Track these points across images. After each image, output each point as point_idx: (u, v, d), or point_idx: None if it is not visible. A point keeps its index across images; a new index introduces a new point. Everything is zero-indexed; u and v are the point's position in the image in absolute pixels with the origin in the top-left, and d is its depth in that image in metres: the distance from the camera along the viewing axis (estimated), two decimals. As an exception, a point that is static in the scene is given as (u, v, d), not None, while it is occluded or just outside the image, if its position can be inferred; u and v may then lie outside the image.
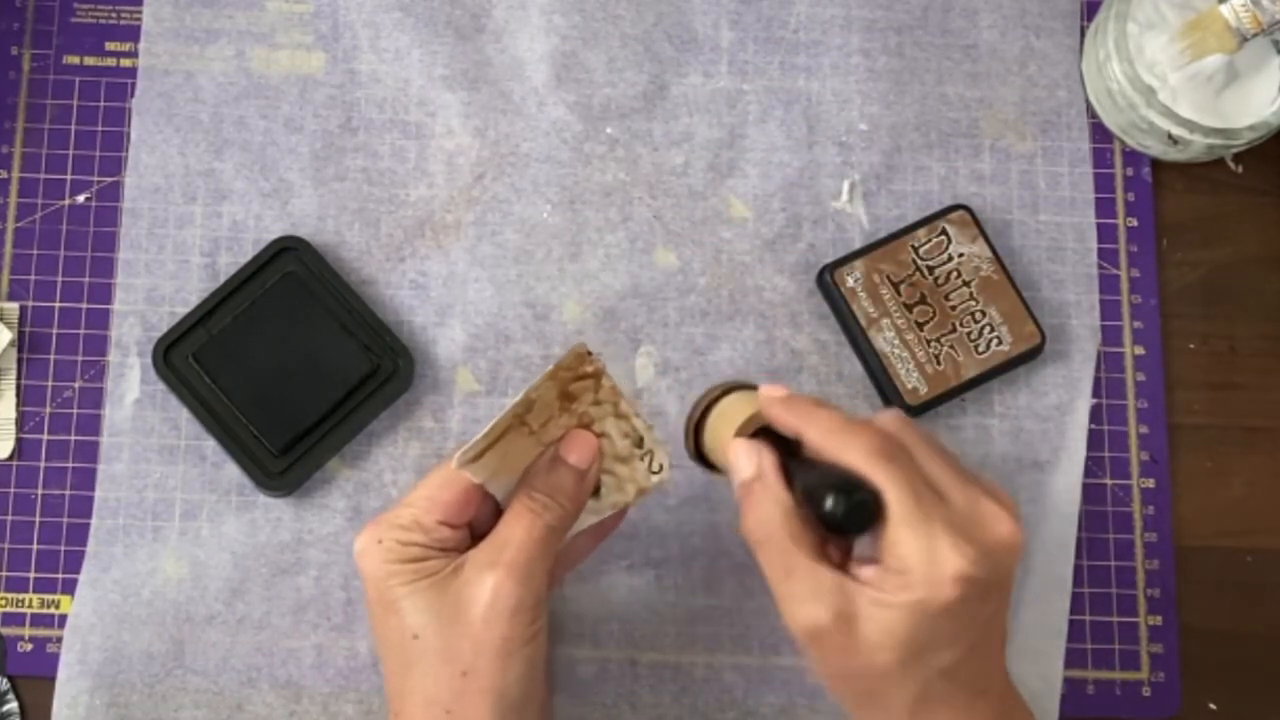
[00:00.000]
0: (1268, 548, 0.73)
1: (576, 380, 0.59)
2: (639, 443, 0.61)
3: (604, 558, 0.70)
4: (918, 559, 0.53)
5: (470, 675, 0.56)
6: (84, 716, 0.67)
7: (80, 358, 0.72)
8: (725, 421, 0.59)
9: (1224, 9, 0.71)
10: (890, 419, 0.57)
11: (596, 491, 0.61)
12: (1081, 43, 0.77)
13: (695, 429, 0.61)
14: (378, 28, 0.75)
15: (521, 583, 0.57)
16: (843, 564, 0.56)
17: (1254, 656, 0.72)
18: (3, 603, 0.69)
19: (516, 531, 0.58)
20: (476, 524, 0.60)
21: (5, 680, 0.69)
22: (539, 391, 0.58)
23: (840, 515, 0.53)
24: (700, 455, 0.61)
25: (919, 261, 0.72)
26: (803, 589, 0.54)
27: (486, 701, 0.56)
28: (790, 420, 0.57)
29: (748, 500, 0.56)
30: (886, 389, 0.71)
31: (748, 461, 0.57)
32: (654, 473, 0.61)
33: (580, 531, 0.61)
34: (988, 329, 0.72)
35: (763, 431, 0.58)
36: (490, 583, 0.56)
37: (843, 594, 0.54)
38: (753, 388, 0.60)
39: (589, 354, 0.58)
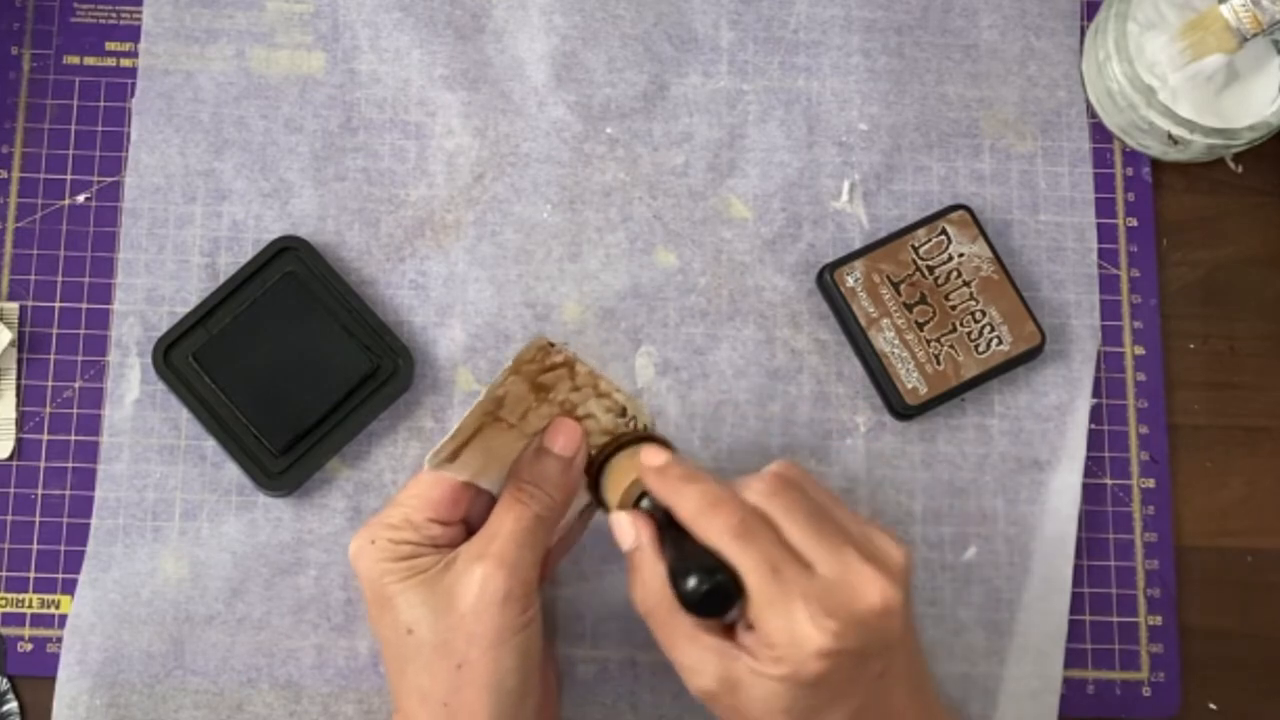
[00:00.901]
0: (1268, 548, 0.73)
1: (545, 372, 0.59)
2: (622, 413, 0.61)
3: (604, 558, 0.70)
4: (780, 636, 0.54)
5: (464, 667, 0.57)
6: (84, 716, 0.67)
7: (80, 358, 0.72)
8: (614, 480, 0.60)
9: (1224, 9, 0.71)
10: (770, 477, 0.57)
11: None
12: (1081, 43, 0.78)
13: (595, 479, 0.61)
14: (378, 28, 0.75)
15: (510, 573, 0.57)
16: (734, 625, 0.56)
17: (1254, 656, 0.72)
18: (3, 603, 0.69)
19: (505, 522, 0.58)
20: (474, 519, 0.61)
21: (5, 680, 0.69)
22: (505, 387, 0.58)
23: (694, 600, 0.55)
24: (600, 502, 0.62)
25: (919, 261, 0.72)
26: (688, 658, 0.56)
27: (482, 694, 0.57)
28: (661, 494, 0.57)
29: (631, 570, 0.58)
30: (886, 389, 0.71)
31: (626, 534, 0.58)
32: None
33: (573, 515, 0.62)
34: (988, 329, 0.72)
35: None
36: (479, 574, 0.57)
37: (725, 662, 0.55)
38: (655, 440, 0.60)
39: (551, 345, 0.58)
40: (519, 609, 0.57)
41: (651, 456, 0.58)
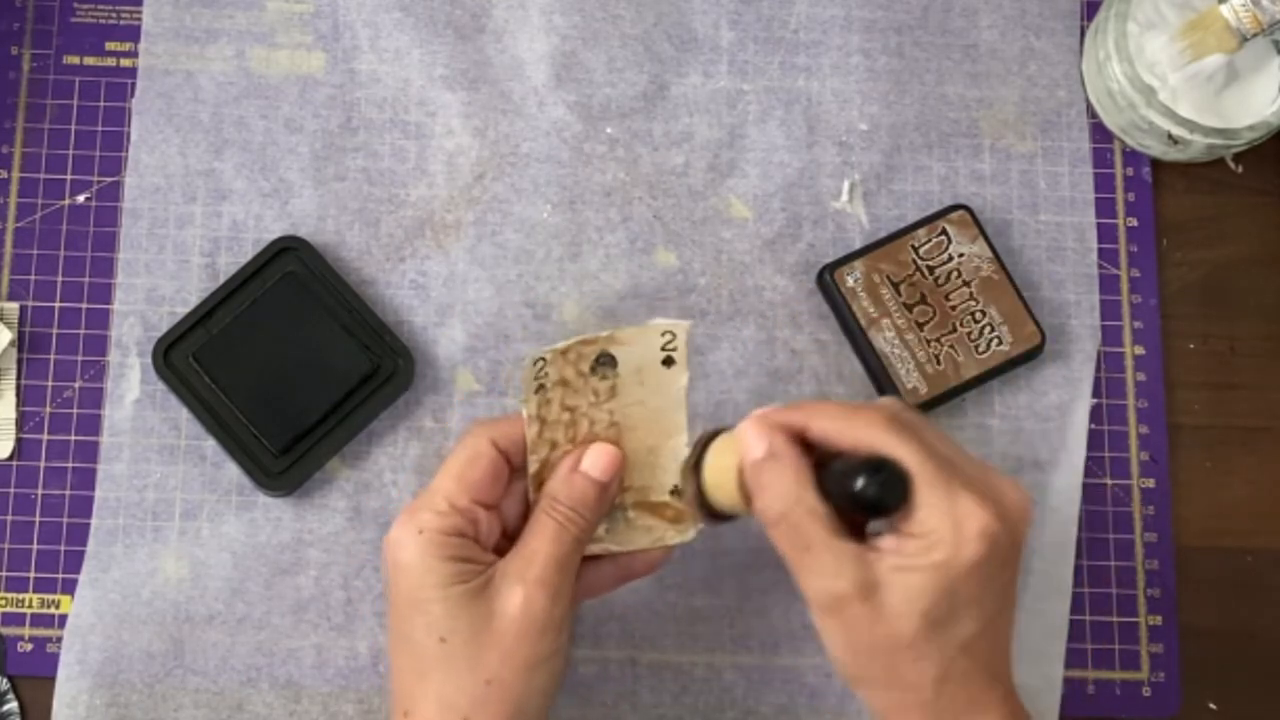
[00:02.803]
0: (1268, 548, 0.73)
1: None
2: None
3: (604, 558, 0.70)
4: (941, 519, 0.54)
5: (494, 684, 0.56)
6: (84, 716, 0.67)
7: (80, 358, 0.72)
8: (725, 450, 0.59)
9: (1224, 9, 0.71)
10: (889, 401, 0.58)
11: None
12: (1081, 43, 0.78)
13: (694, 473, 0.60)
14: (378, 28, 0.75)
15: (552, 598, 0.57)
16: (864, 534, 0.57)
17: (1254, 656, 0.72)
18: (3, 603, 0.69)
19: (544, 544, 0.58)
20: (508, 520, 0.60)
21: (5, 680, 0.69)
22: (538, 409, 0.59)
23: (875, 492, 0.54)
24: (703, 503, 0.60)
25: (919, 261, 0.72)
26: (822, 562, 0.55)
27: (505, 712, 0.57)
28: (794, 417, 0.57)
29: (761, 478, 0.57)
30: (886, 389, 0.71)
31: (759, 441, 0.57)
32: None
33: (610, 559, 0.62)
34: (988, 329, 0.72)
35: None
36: (521, 595, 0.57)
37: (863, 563, 0.55)
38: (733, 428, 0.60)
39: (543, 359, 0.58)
40: (555, 633, 0.57)
41: (758, 411, 0.58)
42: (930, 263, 0.72)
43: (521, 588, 0.57)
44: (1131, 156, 0.76)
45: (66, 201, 0.73)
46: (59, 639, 0.69)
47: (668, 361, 0.60)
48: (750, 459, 0.57)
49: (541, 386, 0.58)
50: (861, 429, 0.55)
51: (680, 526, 0.61)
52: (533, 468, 0.59)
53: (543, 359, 0.58)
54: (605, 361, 0.59)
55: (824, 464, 0.57)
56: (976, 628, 0.55)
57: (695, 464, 0.60)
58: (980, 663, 0.55)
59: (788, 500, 0.56)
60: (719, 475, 0.59)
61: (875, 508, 0.55)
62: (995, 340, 0.72)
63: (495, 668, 0.56)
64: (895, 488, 0.54)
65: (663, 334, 0.59)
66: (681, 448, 0.61)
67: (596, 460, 0.59)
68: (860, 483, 0.54)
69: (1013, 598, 0.57)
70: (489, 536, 0.59)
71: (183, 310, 0.71)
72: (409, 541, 0.58)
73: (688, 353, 0.60)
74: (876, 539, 0.56)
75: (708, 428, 0.60)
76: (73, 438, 0.71)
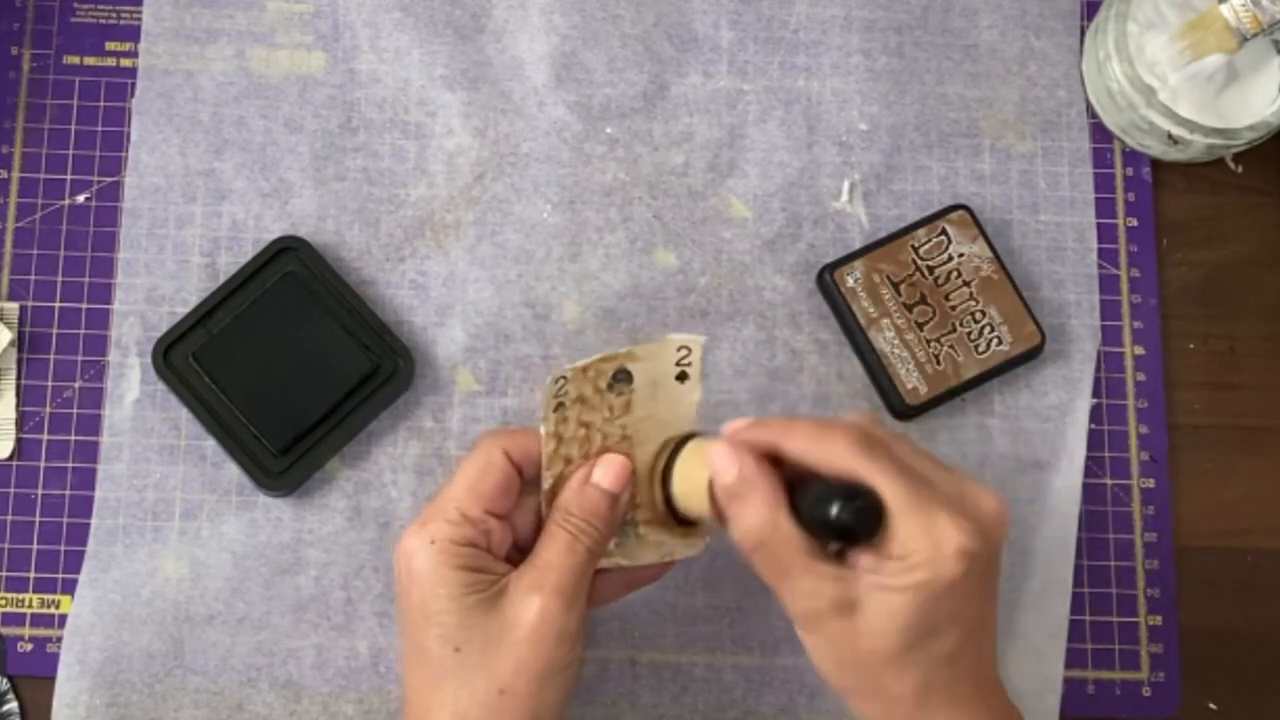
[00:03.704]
0: (1268, 548, 0.73)
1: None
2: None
3: (604, 558, 0.70)
4: (919, 541, 0.53)
5: (507, 694, 0.56)
6: (84, 716, 0.67)
7: (80, 358, 0.72)
8: (697, 461, 0.58)
9: (1224, 9, 0.71)
10: (860, 417, 0.58)
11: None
12: (1081, 43, 0.78)
13: (662, 479, 0.59)
14: (378, 28, 0.75)
15: (567, 608, 0.57)
16: (843, 553, 0.56)
17: (1254, 656, 0.72)
18: (3, 603, 0.69)
19: (558, 556, 0.58)
20: (519, 532, 0.60)
21: (5, 680, 0.69)
22: (556, 426, 0.58)
23: (849, 521, 0.53)
24: (670, 508, 0.60)
25: (919, 261, 0.72)
26: (800, 584, 0.55)
27: None
28: (765, 437, 0.57)
29: (734, 506, 0.56)
30: (886, 389, 0.71)
31: (729, 465, 0.56)
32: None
33: (616, 571, 0.61)
34: (988, 329, 0.72)
35: None
36: (538, 605, 0.56)
37: (842, 584, 0.55)
38: (703, 434, 0.59)
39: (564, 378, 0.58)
40: (570, 644, 0.57)
41: (733, 424, 0.58)
42: (930, 263, 0.72)
43: (538, 597, 0.57)
44: (1131, 156, 0.76)
45: (66, 201, 0.73)
46: (59, 639, 0.69)
47: (681, 376, 0.60)
48: (721, 483, 0.56)
49: (561, 404, 0.58)
50: (833, 452, 0.55)
51: (690, 541, 0.61)
52: (546, 484, 0.59)
53: (564, 377, 0.57)
54: (621, 377, 0.59)
55: (798, 480, 0.56)
56: (958, 641, 0.55)
57: (664, 471, 0.59)
58: (962, 672, 0.55)
59: (763, 529, 0.55)
60: (689, 486, 0.58)
61: (849, 536, 0.54)
62: (995, 340, 0.72)
63: (509, 678, 0.56)
64: (868, 517, 0.54)
65: (679, 349, 0.59)
66: None
67: (607, 471, 0.59)
68: (834, 511, 0.53)
69: (994, 604, 0.57)
70: (501, 547, 0.59)
71: (183, 310, 0.71)
72: (421, 551, 0.58)
73: (702, 368, 0.60)
74: (855, 555, 0.55)
75: (673, 435, 0.60)
76: (73, 438, 0.71)
